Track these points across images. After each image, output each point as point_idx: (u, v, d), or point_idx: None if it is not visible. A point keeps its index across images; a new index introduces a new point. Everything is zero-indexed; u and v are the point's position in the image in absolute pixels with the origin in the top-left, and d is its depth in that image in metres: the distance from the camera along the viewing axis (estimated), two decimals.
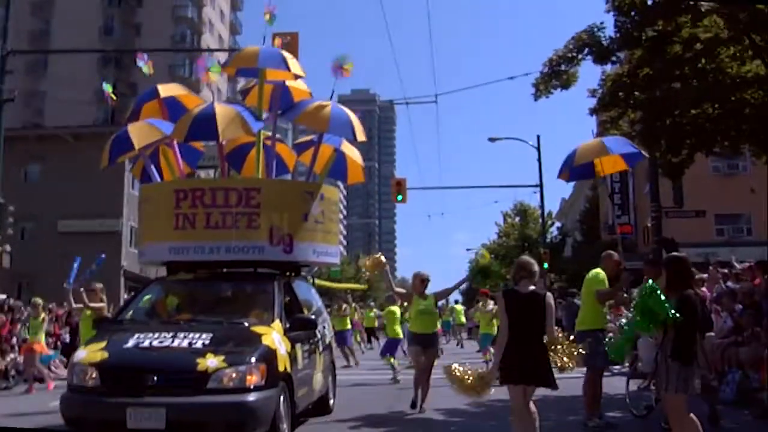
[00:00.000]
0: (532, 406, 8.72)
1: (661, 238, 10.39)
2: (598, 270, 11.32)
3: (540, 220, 52.75)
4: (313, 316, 11.09)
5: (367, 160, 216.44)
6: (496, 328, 19.82)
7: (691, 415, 8.01)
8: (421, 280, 13.41)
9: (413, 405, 12.99)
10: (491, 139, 45.95)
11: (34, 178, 45.40)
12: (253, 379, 9.16)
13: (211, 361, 9.10)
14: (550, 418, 11.54)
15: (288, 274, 11.83)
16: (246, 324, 10.17)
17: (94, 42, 45.67)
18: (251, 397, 9.07)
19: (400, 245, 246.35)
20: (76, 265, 13.80)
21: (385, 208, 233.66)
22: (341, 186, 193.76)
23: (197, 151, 13.53)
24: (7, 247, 29.37)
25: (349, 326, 23.52)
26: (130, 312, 11.00)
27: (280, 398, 9.59)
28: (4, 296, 24.15)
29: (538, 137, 45.76)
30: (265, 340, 9.70)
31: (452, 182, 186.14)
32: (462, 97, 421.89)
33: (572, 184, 59.21)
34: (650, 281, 8.29)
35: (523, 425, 8.70)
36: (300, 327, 10.67)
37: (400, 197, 35.98)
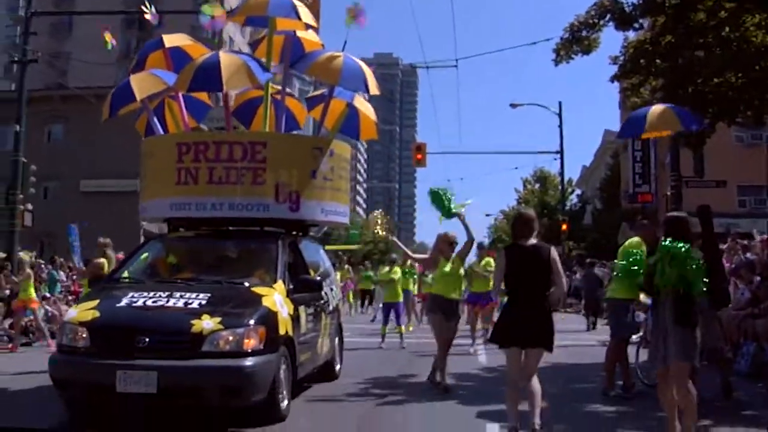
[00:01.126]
0: (534, 381, 7.97)
1: (699, 207, 9.68)
2: (638, 239, 10.60)
3: (560, 187, 51.81)
4: (318, 278, 10.30)
5: (389, 124, 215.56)
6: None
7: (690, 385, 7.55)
8: (449, 243, 11.82)
9: (433, 380, 11.57)
10: (513, 105, 45.08)
11: (58, 138, 44.99)
12: (251, 343, 8.44)
13: (207, 323, 8.38)
14: (558, 384, 11.37)
15: (294, 233, 11.09)
16: (246, 284, 9.44)
17: (118, 4, 44.76)
18: (248, 361, 8.35)
19: (420, 210, 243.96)
20: (73, 237, 13.14)
21: (406, 173, 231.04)
22: (361, 148, 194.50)
23: (204, 104, 12.71)
24: (29, 206, 29.12)
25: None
26: (127, 270, 10.27)
27: (280, 363, 8.87)
28: (3, 254, 23.67)
29: (560, 104, 45.00)
30: (266, 302, 8.96)
31: (472, 148, 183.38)
32: (483, 63, 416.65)
33: (593, 151, 58.18)
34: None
35: (515, 397, 7.98)
36: (304, 289, 9.93)
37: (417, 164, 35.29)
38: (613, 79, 19.89)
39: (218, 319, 8.43)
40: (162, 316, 8.66)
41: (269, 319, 8.81)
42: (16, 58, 30.01)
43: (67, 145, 43.27)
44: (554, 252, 8.22)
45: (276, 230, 10.69)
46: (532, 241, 8.19)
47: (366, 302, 32.27)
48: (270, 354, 8.62)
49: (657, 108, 12.32)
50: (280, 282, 9.51)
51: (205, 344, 8.30)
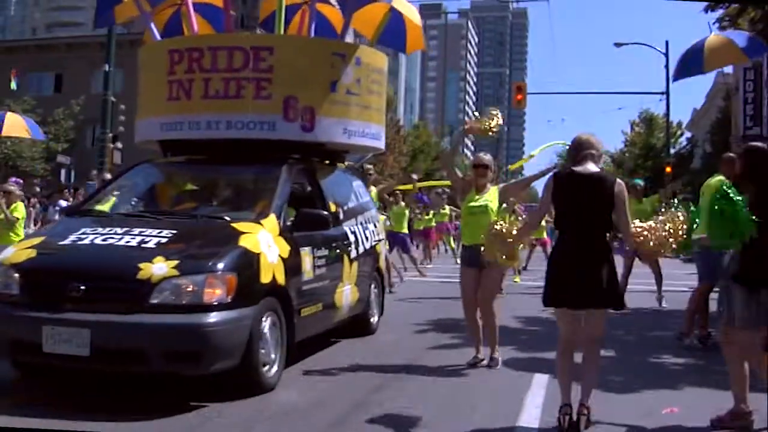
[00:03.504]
0: (596, 349, 5.91)
1: None
2: (721, 177, 8.61)
3: (666, 130, 48.02)
4: (325, 212, 7.81)
5: (499, 67, 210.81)
6: None
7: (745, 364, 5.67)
8: (474, 165, 8.28)
9: (474, 361, 8.09)
10: (617, 44, 41.88)
11: None
12: (214, 294, 6.13)
13: (159, 267, 6.10)
14: (633, 331, 10.45)
15: (316, 160, 8.70)
16: (227, 219, 7.10)
17: None
18: (209, 317, 6.06)
19: (528, 153, 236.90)
20: None
21: (514, 115, 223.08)
22: (470, 90, 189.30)
23: (221, 11, 10.24)
24: (119, 144, 28.41)
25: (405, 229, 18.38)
26: (96, 200, 8.08)
27: (261, 320, 6.55)
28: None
29: (667, 42, 41.08)
30: (245, 241, 6.62)
31: (572, 89, 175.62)
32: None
33: (704, 93, 54.16)
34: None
35: (569, 367, 5.83)
36: (308, 225, 7.53)
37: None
38: (707, 8, 18.06)
39: (174, 263, 6.14)
40: (103, 258, 6.43)
41: (245, 263, 6.48)
42: None
43: None
44: (620, 185, 5.77)
45: (288, 155, 8.26)
46: (593, 168, 5.76)
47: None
48: (243, 308, 6.30)
49: (714, 39, 10.48)
50: (272, 217, 7.14)
51: (154, 294, 6.04)
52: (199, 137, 8.21)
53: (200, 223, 7.13)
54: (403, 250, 18.08)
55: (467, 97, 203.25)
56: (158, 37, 9.27)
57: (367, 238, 9.39)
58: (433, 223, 24.63)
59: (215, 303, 6.11)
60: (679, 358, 8.89)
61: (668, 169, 38.63)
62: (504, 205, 8.52)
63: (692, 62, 10.52)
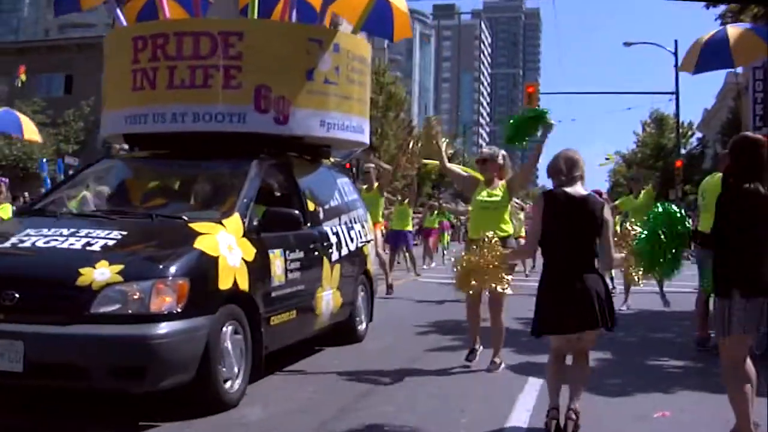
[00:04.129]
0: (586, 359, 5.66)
1: None
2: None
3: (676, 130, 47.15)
4: (295, 211, 7.06)
5: (512, 67, 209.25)
6: None
7: (749, 365, 5.01)
8: (482, 161, 7.94)
9: (470, 355, 7.80)
10: (626, 44, 41.16)
11: None
12: (163, 301, 5.43)
13: (101, 273, 5.41)
14: (635, 333, 10.10)
15: (294, 155, 7.99)
16: (185, 219, 6.39)
17: None
18: (157, 328, 5.35)
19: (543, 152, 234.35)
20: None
21: None
22: (484, 91, 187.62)
23: None
24: (125, 146, 27.73)
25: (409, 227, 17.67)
26: (50, 198, 7.37)
27: (221, 330, 5.84)
28: None
29: (676, 42, 40.16)
30: (201, 243, 5.91)
31: (579, 89, 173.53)
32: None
33: (714, 94, 53.45)
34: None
35: (559, 371, 5.59)
36: (276, 225, 6.80)
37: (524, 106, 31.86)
38: (708, 4, 17.01)
39: (118, 268, 5.44)
40: (40, 263, 5.74)
41: (199, 267, 5.78)
42: None
43: None
44: (608, 211, 5.62)
45: (261, 150, 7.52)
46: (582, 190, 5.55)
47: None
48: (197, 317, 5.59)
49: (735, 32, 9.89)
50: (235, 216, 6.42)
51: (95, 303, 5.34)
52: (164, 131, 7.49)
53: (155, 223, 6.41)
54: (406, 247, 17.80)
55: (481, 98, 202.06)
56: (124, 23, 8.56)
57: (352, 239, 8.67)
58: (437, 225, 23.86)
59: (164, 312, 5.41)
60: (679, 361, 8.56)
61: (678, 163, 37.80)
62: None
63: (717, 55, 9.85)
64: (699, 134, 58.88)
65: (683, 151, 48.91)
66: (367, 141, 8.74)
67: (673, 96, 40.66)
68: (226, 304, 5.96)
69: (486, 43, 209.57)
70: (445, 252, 26.55)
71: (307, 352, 8.17)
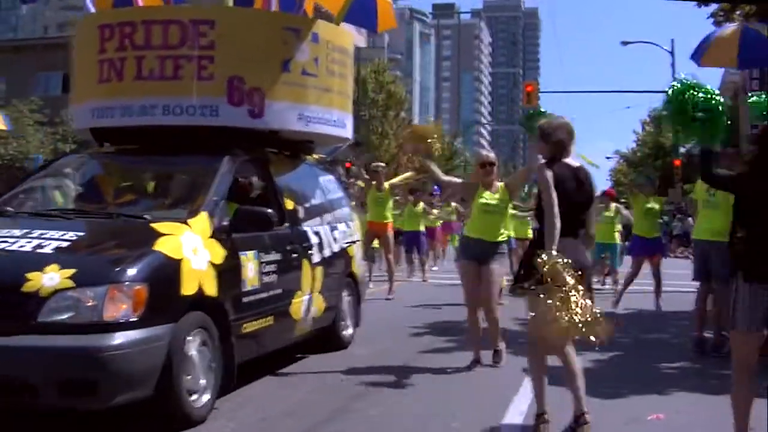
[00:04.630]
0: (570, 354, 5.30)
1: None
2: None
3: None
4: (268, 210, 6.54)
5: (512, 67, 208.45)
6: (617, 236, 15.15)
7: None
8: (482, 164, 7.90)
9: (473, 366, 7.68)
10: (624, 43, 40.92)
11: None
12: (118, 309, 4.94)
13: (50, 277, 4.93)
14: (630, 335, 9.70)
15: (267, 150, 7.49)
16: (147, 218, 5.90)
17: None
18: (110, 339, 4.86)
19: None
20: None
21: None
22: (484, 90, 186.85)
23: None
24: None
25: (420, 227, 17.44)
26: (12, 197, 6.85)
27: (185, 340, 5.36)
28: None
29: (672, 41, 39.82)
30: (162, 245, 5.42)
31: (577, 88, 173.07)
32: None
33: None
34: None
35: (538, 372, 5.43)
36: (247, 225, 6.29)
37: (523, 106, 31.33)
38: (700, 2, 16.56)
39: (69, 272, 4.96)
40: None
41: (159, 271, 5.28)
42: None
43: None
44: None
45: (235, 145, 7.02)
46: (574, 162, 5.50)
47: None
48: (157, 326, 5.11)
49: (724, 33, 9.91)
50: (202, 216, 5.93)
51: (43, 311, 4.86)
52: (132, 124, 7.00)
53: (116, 223, 5.94)
54: (418, 250, 17.51)
55: (482, 97, 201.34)
56: (92, 9, 8.06)
57: (335, 240, 8.18)
58: (439, 223, 22.98)
59: (119, 321, 4.93)
60: (675, 362, 8.31)
61: (677, 163, 37.41)
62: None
63: (697, 49, 9.89)
64: None
65: (682, 150, 48.49)
66: (350, 136, 8.24)
67: None
68: (190, 311, 5.48)
69: (486, 43, 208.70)
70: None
71: (290, 360, 7.73)
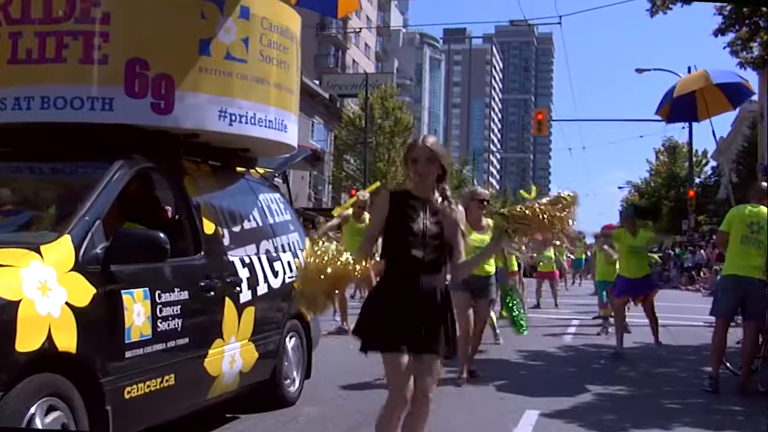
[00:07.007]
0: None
1: None
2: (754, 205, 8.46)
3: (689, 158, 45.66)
4: (160, 234, 5.00)
5: (524, 93, 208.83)
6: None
7: None
8: (480, 202, 8.40)
9: (460, 382, 8.15)
10: (638, 70, 39.82)
11: None
12: None
13: None
14: (637, 369, 10.00)
15: (183, 157, 5.97)
16: None
17: None
18: None
19: (554, 181, 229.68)
20: None
21: (540, 143, 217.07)
22: (494, 117, 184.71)
23: None
24: None
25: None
26: None
27: (24, 412, 3.84)
28: None
29: (689, 69, 38.46)
30: None
31: (587, 115, 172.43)
32: (589, 24, 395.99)
33: (730, 121, 52.88)
34: None
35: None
36: (134, 252, 4.72)
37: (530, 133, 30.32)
38: (716, 32, 16.64)
39: None
40: None
41: None
42: None
43: None
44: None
45: (133, 148, 5.49)
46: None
47: None
48: None
49: (698, 82, 10.38)
50: (62, 241, 4.39)
51: None
52: (2, 122, 5.50)
53: None
54: None
55: (492, 123, 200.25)
56: None
57: (275, 274, 6.63)
58: None
59: None
60: (680, 397, 8.22)
61: (691, 193, 36.26)
62: None
63: (685, 109, 10.73)
64: (713, 162, 57.41)
65: (697, 180, 47.37)
66: (294, 142, 6.68)
67: (686, 124, 39.22)
68: (33, 373, 3.95)
69: (497, 68, 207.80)
70: None
71: (218, 418, 6.21)
